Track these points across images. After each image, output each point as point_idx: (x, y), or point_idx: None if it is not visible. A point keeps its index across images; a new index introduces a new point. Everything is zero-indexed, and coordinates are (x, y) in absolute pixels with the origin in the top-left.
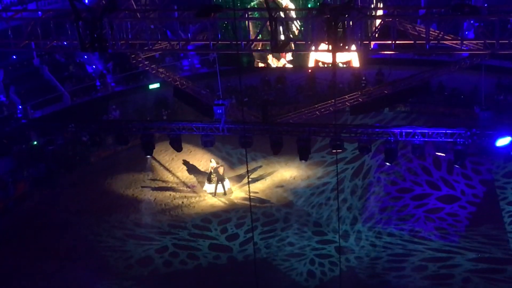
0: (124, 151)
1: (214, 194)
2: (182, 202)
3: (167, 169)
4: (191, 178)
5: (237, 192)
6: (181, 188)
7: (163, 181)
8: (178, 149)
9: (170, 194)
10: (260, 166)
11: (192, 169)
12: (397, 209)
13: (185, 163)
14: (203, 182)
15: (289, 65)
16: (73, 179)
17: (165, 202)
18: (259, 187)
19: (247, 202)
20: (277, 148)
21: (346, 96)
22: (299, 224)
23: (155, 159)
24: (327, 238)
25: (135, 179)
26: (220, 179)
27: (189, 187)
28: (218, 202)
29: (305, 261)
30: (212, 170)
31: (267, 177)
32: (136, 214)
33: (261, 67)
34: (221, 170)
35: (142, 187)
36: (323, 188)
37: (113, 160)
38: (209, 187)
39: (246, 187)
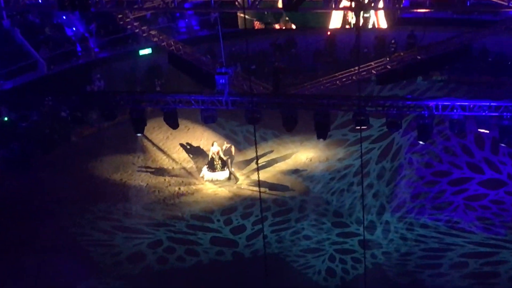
0: (110, 128)
1: (229, 178)
2: (179, 189)
3: (161, 150)
4: (188, 161)
5: (244, 178)
6: (178, 173)
7: (157, 164)
8: (174, 125)
9: (165, 180)
10: (271, 147)
11: (190, 150)
12: (432, 196)
13: (183, 143)
14: (201, 167)
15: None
16: (51, 162)
17: (159, 188)
18: (270, 171)
19: (256, 188)
20: (290, 125)
21: (372, 63)
22: (316, 214)
23: (147, 138)
24: (349, 231)
25: (123, 162)
26: (232, 162)
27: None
28: (221, 189)
29: (324, 257)
30: (214, 155)
31: (279, 159)
32: (125, 203)
33: (272, 28)
34: (233, 149)
35: (131, 171)
36: (344, 171)
37: (97, 139)
38: (209, 175)
39: (254, 171)
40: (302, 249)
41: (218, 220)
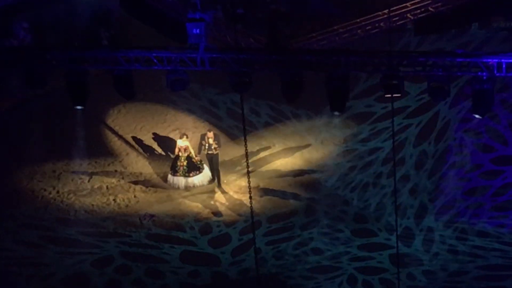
0: (39, 98)
1: (213, 181)
2: (135, 183)
3: (110, 128)
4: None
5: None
6: (133, 165)
7: (103, 149)
8: (128, 94)
9: (116, 171)
10: (266, 122)
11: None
12: (492, 192)
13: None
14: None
15: None
16: None
17: (108, 183)
18: (263, 157)
19: (244, 183)
20: (293, 93)
21: (408, 4)
22: (330, 218)
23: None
24: (376, 241)
25: (57, 147)
26: (213, 160)
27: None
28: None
29: (341, 278)
30: (179, 151)
31: (276, 140)
32: (59, 203)
33: None
34: (210, 136)
35: (68, 160)
36: (369, 158)
37: (21, 114)
38: (175, 180)
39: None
40: (310, 268)
41: (192, 228)
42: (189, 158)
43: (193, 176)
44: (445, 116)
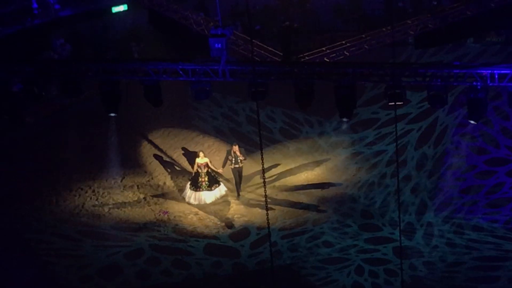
0: (75, 106)
1: (238, 195)
2: (164, 183)
3: (141, 134)
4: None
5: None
6: (166, 164)
7: (135, 153)
8: (156, 102)
9: (146, 172)
10: (281, 128)
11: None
12: (486, 190)
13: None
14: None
15: None
16: (0, 148)
17: (139, 183)
18: (278, 159)
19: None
20: (305, 100)
21: (409, 21)
22: (339, 214)
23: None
24: (381, 235)
25: (92, 149)
26: (239, 172)
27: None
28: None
29: (350, 269)
30: (198, 168)
31: (290, 143)
32: (95, 201)
33: None
34: (236, 149)
35: (103, 160)
36: (375, 159)
37: (59, 120)
38: (192, 195)
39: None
40: (322, 259)
41: (215, 224)
42: (208, 173)
43: (215, 189)
44: (443, 122)
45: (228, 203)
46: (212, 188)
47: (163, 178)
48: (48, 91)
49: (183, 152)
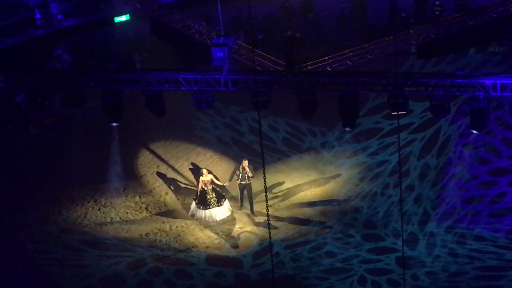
0: (78, 116)
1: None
2: (166, 193)
3: (144, 145)
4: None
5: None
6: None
7: (137, 161)
8: (159, 112)
9: (148, 182)
10: (284, 138)
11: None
12: (488, 200)
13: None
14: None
15: None
16: (3, 159)
17: (140, 192)
18: (281, 170)
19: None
20: (308, 110)
21: (412, 31)
22: (342, 224)
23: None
24: (384, 245)
25: (94, 159)
26: (247, 188)
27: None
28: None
29: (352, 279)
30: (204, 186)
31: (292, 154)
32: (97, 212)
33: None
34: (246, 165)
35: (105, 170)
36: (377, 170)
37: (62, 130)
38: (201, 213)
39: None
40: (324, 270)
41: (217, 234)
42: (214, 189)
43: (223, 203)
44: (446, 132)
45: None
46: (221, 203)
47: (165, 189)
48: (51, 101)
49: (185, 162)
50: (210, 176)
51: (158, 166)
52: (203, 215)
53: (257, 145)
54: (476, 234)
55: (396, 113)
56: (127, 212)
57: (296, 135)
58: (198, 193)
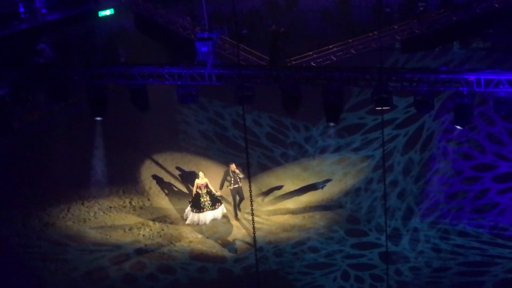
0: (62, 111)
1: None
2: (150, 188)
3: (128, 138)
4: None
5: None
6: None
7: (123, 157)
8: (143, 107)
9: (132, 177)
10: (268, 133)
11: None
12: (472, 196)
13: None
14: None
15: None
16: None
17: (125, 187)
18: (264, 164)
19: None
20: (292, 105)
21: (396, 26)
22: (325, 220)
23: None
24: (367, 240)
25: (79, 154)
26: (239, 192)
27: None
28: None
29: (335, 274)
30: (198, 189)
31: (276, 149)
32: (80, 206)
33: None
34: (234, 168)
35: (89, 166)
36: (361, 165)
37: (46, 125)
38: (195, 217)
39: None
40: (308, 265)
41: (200, 228)
42: (209, 193)
43: (218, 207)
44: (430, 127)
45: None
46: (216, 207)
47: (149, 183)
48: (35, 96)
49: (169, 157)
50: (206, 180)
51: (142, 161)
52: (195, 219)
53: (240, 140)
54: (460, 229)
55: (380, 108)
56: (110, 207)
57: (280, 130)
58: (193, 196)
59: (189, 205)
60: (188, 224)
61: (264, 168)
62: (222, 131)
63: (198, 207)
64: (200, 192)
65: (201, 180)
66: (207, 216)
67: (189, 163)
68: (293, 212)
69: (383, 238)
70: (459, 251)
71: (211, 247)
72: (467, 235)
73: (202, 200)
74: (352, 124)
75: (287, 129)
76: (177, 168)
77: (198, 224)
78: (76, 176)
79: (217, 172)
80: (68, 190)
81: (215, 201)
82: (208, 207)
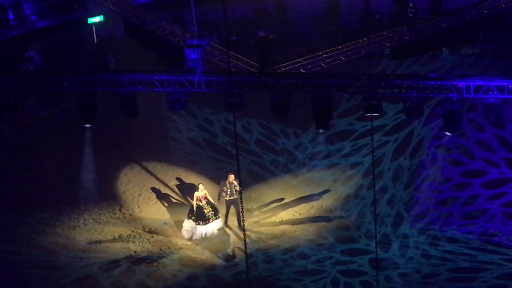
0: (52, 118)
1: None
2: (139, 195)
3: (119, 146)
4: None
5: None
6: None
7: (112, 163)
8: (132, 113)
9: (121, 183)
10: (257, 139)
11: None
12: (461, 202)
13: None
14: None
15: None
16: None
17: (113, 194)
18: (254, 171)
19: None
20: (282, 112)
21: (385, 33)
22: (315, 226)
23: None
24: (357, 247)
25: (68, 161)
26: (234, 204)
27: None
28: None
29: (325, 281)
30: (198, 201)
31: (265, 156)
32: (70, 213)
33: None
34: (233, 179)
35: (78, 172)
36: (351, 171)
37: (35, 132)
38: (201, 229)
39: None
40: (297, 271)
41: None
42: (209, 203)
43: (219, 216)
44: (419, 134)
45: None
46: (218, 216)
47: (138, 190)
48: (24, 102)
49: (158, 164)
50: (205, 191)
51: (131, 168)
52: (203, 231)
53: (230, 146)
54: (449, 235)
55: (369, 115)
56: (100, 214)
57: (269, 136)
58: (194, 210)
59: (190, 220)
60: (196, 239)
61: (254, 175)
62: (212, 138)
63: (203, 219)
64: (200, 204)
65: (200, 192)
66: (213, 226)
67: (178, 170)
68: (283, 218)
69: (373, 244)
70: (449, 257)
71: (201, 254)
72: (457, 241)
73: (205, 211)
74: (341, 131)
75: (276, 136)
76: (167, 175)
77: (206, 235)
78: (65, 183)
79: (208, 179)
80: (57, 197)
81: (216, 210)
82: (213, 217)
